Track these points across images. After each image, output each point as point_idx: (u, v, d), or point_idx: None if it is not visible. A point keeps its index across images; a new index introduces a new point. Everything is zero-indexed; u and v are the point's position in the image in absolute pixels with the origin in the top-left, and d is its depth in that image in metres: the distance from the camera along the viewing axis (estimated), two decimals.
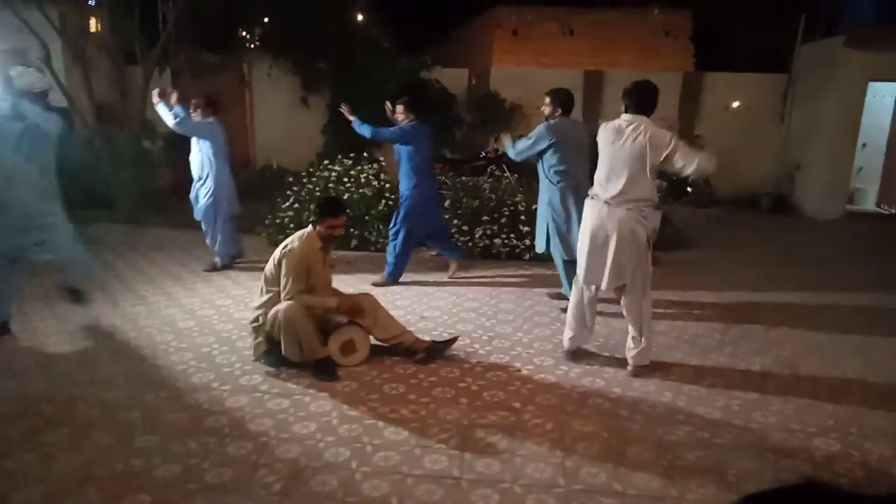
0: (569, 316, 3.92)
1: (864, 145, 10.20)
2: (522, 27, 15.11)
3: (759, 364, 3.94)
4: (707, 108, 11.19)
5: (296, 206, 6.75)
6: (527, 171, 7.27)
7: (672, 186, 9.54)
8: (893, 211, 10.20)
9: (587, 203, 3.74)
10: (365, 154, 7.35)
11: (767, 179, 10.67)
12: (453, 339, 3.98)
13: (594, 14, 14.74)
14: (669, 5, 14.71)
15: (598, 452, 2.86)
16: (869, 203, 10.55)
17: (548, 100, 4.81)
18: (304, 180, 7.16)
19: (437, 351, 3.86)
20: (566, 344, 3.93)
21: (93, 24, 9.54)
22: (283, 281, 3.53)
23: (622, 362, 3.87)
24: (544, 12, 15.10)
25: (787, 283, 5.87)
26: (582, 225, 3.81)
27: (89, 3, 9.75)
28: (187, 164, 5.69)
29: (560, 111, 4.75)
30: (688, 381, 3.65)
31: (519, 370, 3.75)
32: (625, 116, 3.68)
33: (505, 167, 8.42)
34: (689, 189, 9.63)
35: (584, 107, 11.51)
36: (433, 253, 6.26)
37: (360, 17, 11.63)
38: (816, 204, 9.74)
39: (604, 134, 3.71)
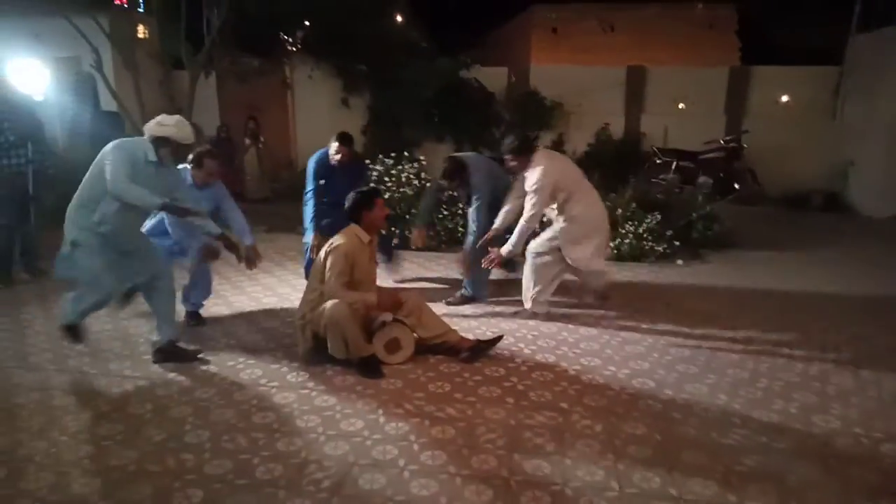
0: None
1: None
2: (561, 25, 14.99)
3: (817, 367, 3.79)
4: (754, 103, 10.90)
5: None
6: None
7: (719, 183, 9.31)
8: None
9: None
10: (406, 153, 7.36)
11: (818, 176, 10.32)
12: (498, 338, 3.94)
13: (634, 9, 14.51)
14: None
15: (651, 456, 2.77)
16: None
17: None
18: None
19: (482, 350, 3.82)
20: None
21: (141, 31, 9.82)
22: (326, 275, 3.54)
23: (672, 364, 3.78)
24: (583, 9, 14.95)
25: (845, 283, 5.65)
26: None
27: (138, 10, 10.04)
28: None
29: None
30: (743, 384, 3.52)
31: (566, 370, 3.68)
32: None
33: None
34: (736, 185, 9.37)
35: (627, 103, 11.34)
36: None
37: (398, 19, 11.70)
38: (871, 202, 9.37)
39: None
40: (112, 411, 3.14)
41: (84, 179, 3.49)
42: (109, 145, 3.46)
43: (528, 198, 4.34)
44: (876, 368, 3.77)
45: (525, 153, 4.42)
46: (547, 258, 4.52)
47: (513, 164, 4.46)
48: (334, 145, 4.85)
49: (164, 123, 3.52)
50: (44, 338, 4.10)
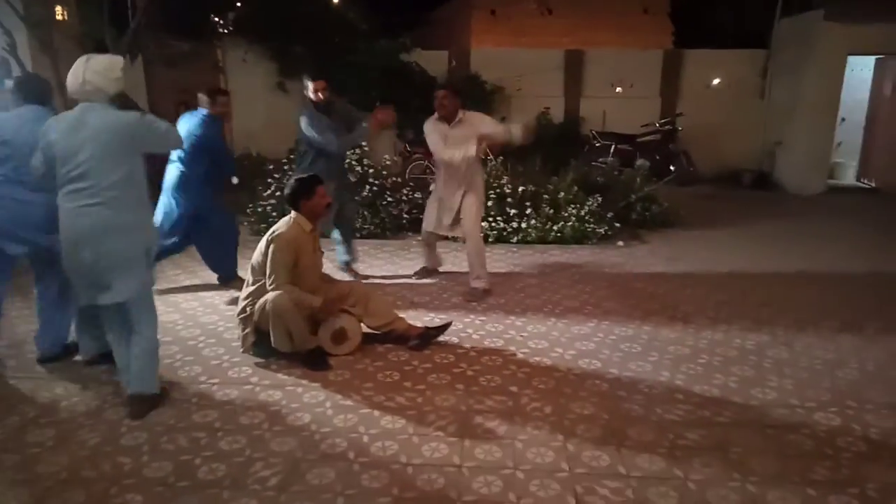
0: None
1: (844, 120, 10.25)
2: (500, 7, 14.95)
3: (753, 340, 3.93)
4: (688, 85, 11.17)
5: (277, 194, 6.61)
6: (511, 155, 7.22)
7: (655, 165, 9.53)
8: (873, 185, 10.29)
9: None
10: None
11: (749, 156, 10.72)
12: (446, 325, 3.91)
13: None
14: None
15: (600, 435, 2.82)
16: (849, 178, 10.64)
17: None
18: (286, 167, 7.01)
19: (431, 337, 3.79)
20: None
21: (59, 13, 9.23)
22: (269, 268, 3.42)
23: (616, 344, 3.86)
24: None
25: (777, 259, 5.89)
26: None
27: None
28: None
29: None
30: (684, 360, 3.62)
31: (514, 354, 3.70)
32: None
33: (487, 149, 8.31)
34: (672, 168, 9.63)
35: (567, 85, 11.44)
36: (419, 238, 6.17)
37: (335, 0, 11.41)
38: (797, 180, 9.79)
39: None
40: (40, 416, 2.96)
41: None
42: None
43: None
44: (807, 340, 3.95)
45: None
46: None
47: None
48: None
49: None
50: None
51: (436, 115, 4.77)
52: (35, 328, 3.58)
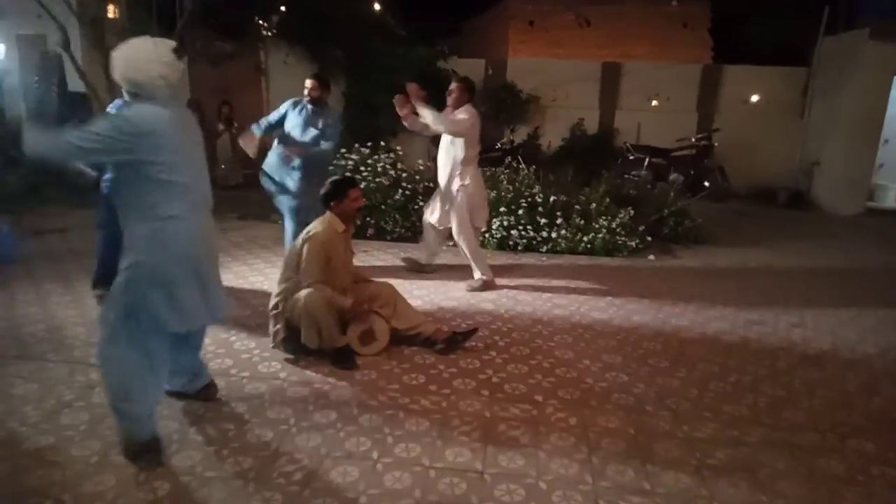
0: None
1: (887, 142, 10.02)
2: (538, 18, 14.94)
3: (784, 361, 3.86)
4: (725, 101, 11.05)
5: None
6: (544, 163, 7.22)
7: (689, 180, 9.43)
8: None
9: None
10: (382, 143, 7.28)
11: (785, 174, 10.54)
12: (473, 330, 3.92)
13: (610, 5, 14.55)
14: None
15: (625, 449, 2.79)
16: (890, 201, 10.37)
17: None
18: None
19: (457, 342, 3.80)
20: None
21: (111, 11, 9.52)
22: (303, 266, 3.48)
23: (644, 358, 3.82)
24: (560, 3, 14.92)
25: (812, 278, 5.77)
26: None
27: None
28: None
29: None
30: (713, 378, 3.57)
31: (540, 363, 3.69)
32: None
33: (520, 158, 8.32)
34: (706, 183, 9.51)
35: (602, 97, 11.40)
36: (451, 243, 6.19)
37: (376, 6, 11.54)
38: (835, 200, 9.60)
39: None
40: (75, 400, 3.04)
41: None
42: None
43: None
44: (840, 363, 3.86)
45: (471, 92, 5.00)
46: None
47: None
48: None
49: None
50: (4, 324, 3.96)
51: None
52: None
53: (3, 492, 2.36)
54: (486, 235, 6.33)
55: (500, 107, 11.04)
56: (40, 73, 8.28)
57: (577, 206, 6.47)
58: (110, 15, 9.22)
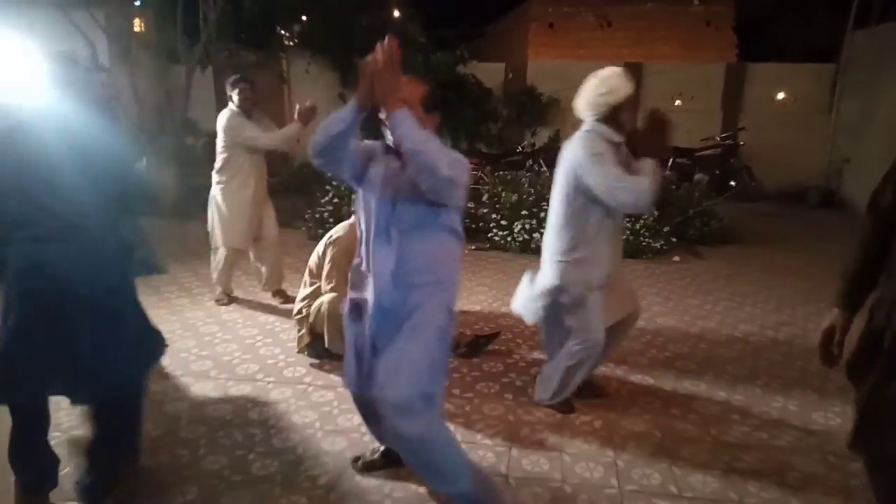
0: None
1: None
2: (559, 20, 14.91)
3: (815, 363, 3.77)
4: (751, 100, 10.89)
5: (335, 200, 6.77)
6: None
7: (715, 180, 9.30)
8: None
9: None
10: None
11: (814, 173, 10.33)
12: (496, 334, 3.92)
13: (632, 5, 14.45)
14: None
15: (651, 452, 2.76)
16: None
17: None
18: None
19: (480, 346, 3.81)
20: None
21: (137, 25, 9.74)
22: (326, 269, 3.51)
23: (670, 361, 3.77)
24: (581, 4, 14.87)
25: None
26: None
27: (134, 3, 9.96)
28: None
29: None
30: (742, 381, 3.51)
31: None
32: None
33: (542, 162, 8.30)
34: (732, 183, 9.37)
35: None
36: (472, 247, 6.21)
37: (395, 13, 11.64)
38: (867, 199, 9.36)
39: None
40: None
41: None
42: None
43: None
44: None
45: None
46: None
47: None
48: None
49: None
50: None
51: None
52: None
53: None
54: (509, 239, 6.32)
55: (520, 110, 11.03)
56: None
57: None
58: (136, 29, 9.43)
